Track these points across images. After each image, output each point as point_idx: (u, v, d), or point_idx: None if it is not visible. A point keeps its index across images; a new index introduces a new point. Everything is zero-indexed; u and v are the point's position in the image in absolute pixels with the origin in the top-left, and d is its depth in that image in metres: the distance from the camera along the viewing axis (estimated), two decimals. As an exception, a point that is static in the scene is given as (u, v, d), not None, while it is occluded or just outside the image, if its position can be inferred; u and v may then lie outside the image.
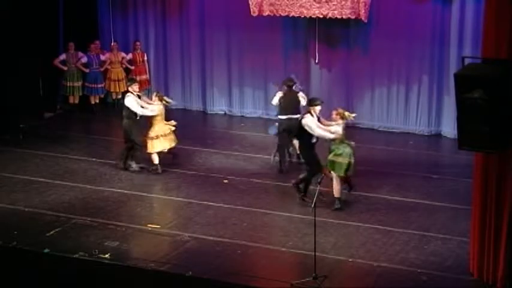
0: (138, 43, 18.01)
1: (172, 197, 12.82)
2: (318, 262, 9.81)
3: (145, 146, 13.64)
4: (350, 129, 13.43)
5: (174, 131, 13.77)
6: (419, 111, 15.99)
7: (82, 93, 17.84)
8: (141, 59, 18.01)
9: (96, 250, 10.63)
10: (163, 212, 12.38)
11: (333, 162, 11.88)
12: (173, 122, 13.83)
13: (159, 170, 13.68)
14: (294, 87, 13.72)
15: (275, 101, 13.86)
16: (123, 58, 17.93)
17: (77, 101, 17.86)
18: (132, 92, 13.68)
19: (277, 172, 13.70)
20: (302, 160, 12.81)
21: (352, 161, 11.86)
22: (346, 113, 12.05)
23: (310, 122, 11.95)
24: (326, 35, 16.28)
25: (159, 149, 13.68)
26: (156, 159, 13.72)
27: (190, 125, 16.73)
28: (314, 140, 12.11)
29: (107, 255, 10.52)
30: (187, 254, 10.65)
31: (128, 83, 14.25)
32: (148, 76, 18.13)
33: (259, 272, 10.18)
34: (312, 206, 9.92)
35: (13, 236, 11.10)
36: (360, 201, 12.39)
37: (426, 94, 15.85)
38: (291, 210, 12.08)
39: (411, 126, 16.10)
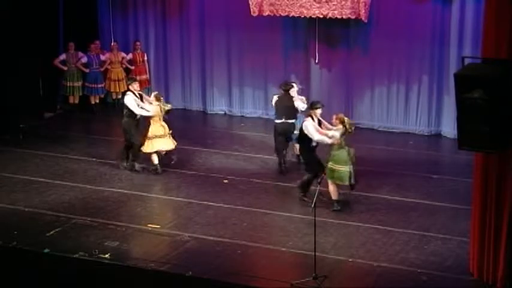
0: (138, 43, 18.01)
1: (172, 197, 12.81)
2: (318, 262, 9.80)
3: (144, 146, 13.63)
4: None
5: (171, 134, 13.72)
6: (419, 111, 15.99)
7: (82, 93, 17.84)
8: (141, 59, 18.01)
9: (96, 250, 10.62)
10: (163, 212, 12.38)
11: (332, 171, 11.79)
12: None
13: (159, 170, 13.67)
14: (291, 91, 13.58)
15: (273, 103, 13.86)
16: (123, 58, 17.93)
17: (77, 101, 17.87)
18: (132, 91, 13.69)
19: (277, 172, 13.70)
20: (302, 161, 12.82)
21: (352, 170, 11.74)
22: (346, 119, 11.88)
23: (309, 126, 11.92)
24: (326, 35, 16.27)
25: (154, 149, 13.63)
26: (155, 159, 13.71)
27: (190, 125, 16.75)
28: (314, 144, 12.09)
29: (107, 255, 10.52)
30: (187, 254, 10.64)
31: (128, 82, 14.26)
32: (148, 76, 18.12)
33: (259, 272, 10.17)
34: (312, 206, 9.92)
35: (13, 236, 11.09)
36: (360, 201, 12.38)
37: (426, 94, 15.84)
38: (291, 210, 12.07)
39: (411, 126, 16.09)
